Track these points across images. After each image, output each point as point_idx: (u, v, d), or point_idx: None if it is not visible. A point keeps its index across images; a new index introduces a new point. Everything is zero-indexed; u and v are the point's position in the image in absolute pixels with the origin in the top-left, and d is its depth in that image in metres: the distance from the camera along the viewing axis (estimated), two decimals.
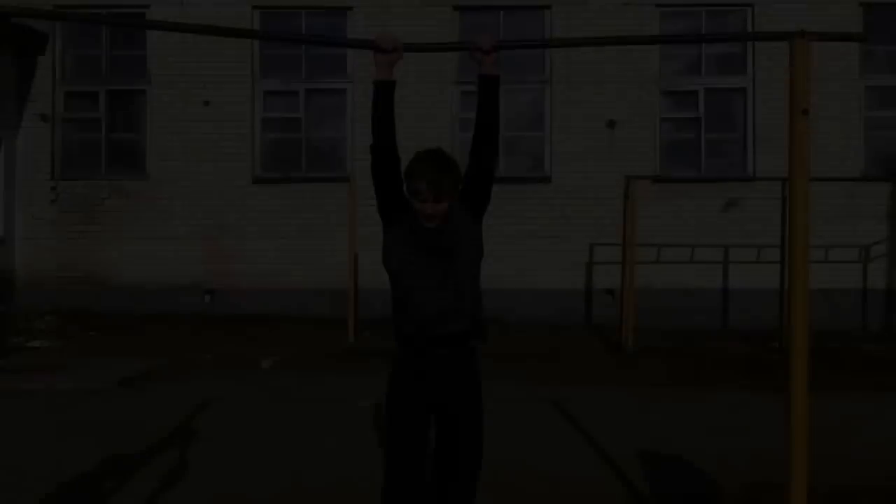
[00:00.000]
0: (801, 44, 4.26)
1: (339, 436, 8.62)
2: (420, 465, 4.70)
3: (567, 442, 8.49)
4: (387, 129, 4.62)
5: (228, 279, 18.31)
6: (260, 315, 17.66)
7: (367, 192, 4.66)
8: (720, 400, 10.61)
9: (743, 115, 18.17)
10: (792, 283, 4.36)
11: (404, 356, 4.68)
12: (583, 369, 13.26)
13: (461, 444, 4.68)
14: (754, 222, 17.82)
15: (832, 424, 9.34)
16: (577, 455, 7.94)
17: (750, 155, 18.23)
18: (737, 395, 10.71)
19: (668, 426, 9.24)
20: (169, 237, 18.35)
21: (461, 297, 4.56)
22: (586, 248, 18.06)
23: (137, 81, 18.70)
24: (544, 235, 18.11)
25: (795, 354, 4.34)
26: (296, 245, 18.26)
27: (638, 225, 16.07)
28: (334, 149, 18.80)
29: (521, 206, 18.03)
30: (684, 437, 8.68)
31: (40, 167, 18.54)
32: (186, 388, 11.09)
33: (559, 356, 14.47)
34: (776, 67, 17.76)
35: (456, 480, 4.69)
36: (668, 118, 18.60)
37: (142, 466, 7.33)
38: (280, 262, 18.31)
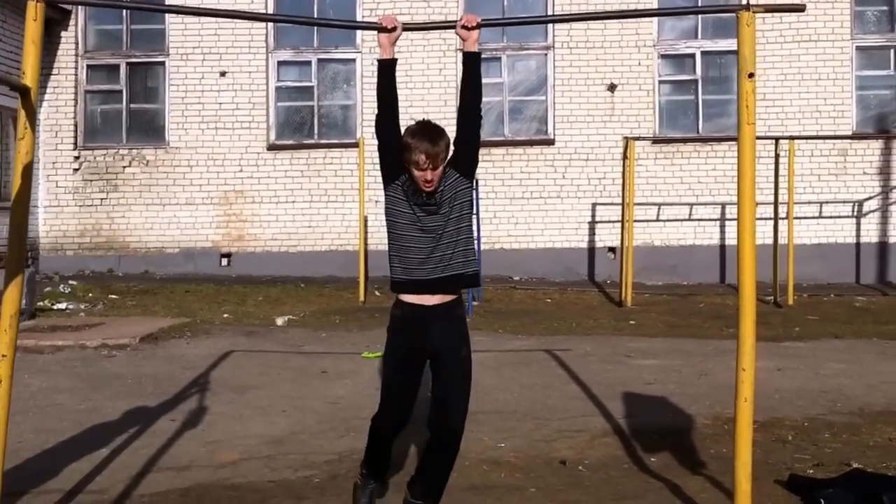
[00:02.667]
0: (745, 15, 4.87)
1: (345, 383, 9.25)
2: (409, 399, 5.35)
3: (557, 385, 9.09)
4: (390, 103, 5.13)
5: (244, 242, 18.94)
6: (275, 277, 18.25)
7: (376, 157, 5.26)
8: (708, 347, 11.18)
9: (737, 76, 18.58)
10: (740, 228, 4.96)
11: (399, 302, 5.29)
12: (582, 322, 13.84)
13: (450, 374, 5.30)
14: None
15: (805, 366, 10.03)
16: (565, 396, 8.55)
17: None
18: (725, 343, 11.15)
19: (654, 371, 9.82)
20: (187, 203, 18.96)
21: (452, 247, 5.12)
22: (589, 208, 18.59)
23: (156, 54, 19.28)
24: (548, 196, 18.65)
25: (744, 298, 4.94)
26: (309, 209, 18.83)
27: (637, 185, 16.63)
28: (345, 116, 19.37)
29: (526, 168, 18.60)
30: (668, 381, 9.27)
31: (63, 137, 19.13)
32: (205, 343, 11.71)
33: (561, 311, 15.07)
34: (770, 31, 18.26)
35: (445, 407, 5.32)
36: (666, 81, 19.10)
37: (163, 409, 7.97)
38: (294, 226, 18.90)
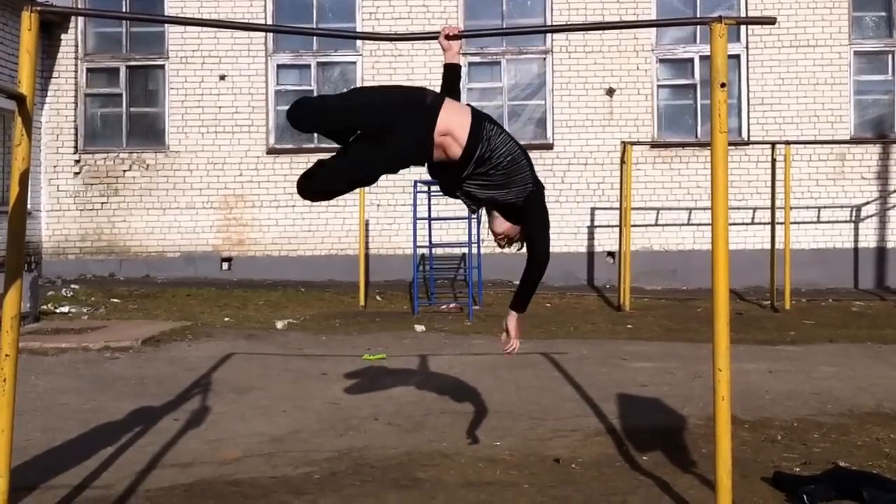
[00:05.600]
0: (718, 26, 5.02)
1: (345, 384, 9.39)
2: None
3: (553, 387, 9.22)
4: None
5: (245, 247, 19.08)
6: (275, 281, 18.40)
7: None
8: (703, 351, 11.27)
9: (737, 82, 18.76)
10: (714, 232, 5.10)
11: None
12: (580, 326, 13.99)
13: None
14: (748, 185, 18.48)
15: (797, 368, 10.18)
16: (560, 397, 8.69)
17: (744, 120, 18.86)
18: None
19: (649, 373, 9.95)
20: (188, 207, 19.10)
21: None
22: (588, 212, 18.73)
23: (156, 57, 19.42)
24: (547, 200, 18.71)
25: (718, 300, 5.09)
26: (309, 213, 18.95)
27: (635, 189, 16.78)
28: None
29: None
30: (662, 383, 9.40)
31: (64, 141, 19.27)
32: (206, 346, 11.85)
33: (560, 315, 15.20)
34: (767, 35, 18.41)
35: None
36: (664, 85, 19.26)
37: (166, 409, 8.11)
38: (294, 230, 19.04)
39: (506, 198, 5.42)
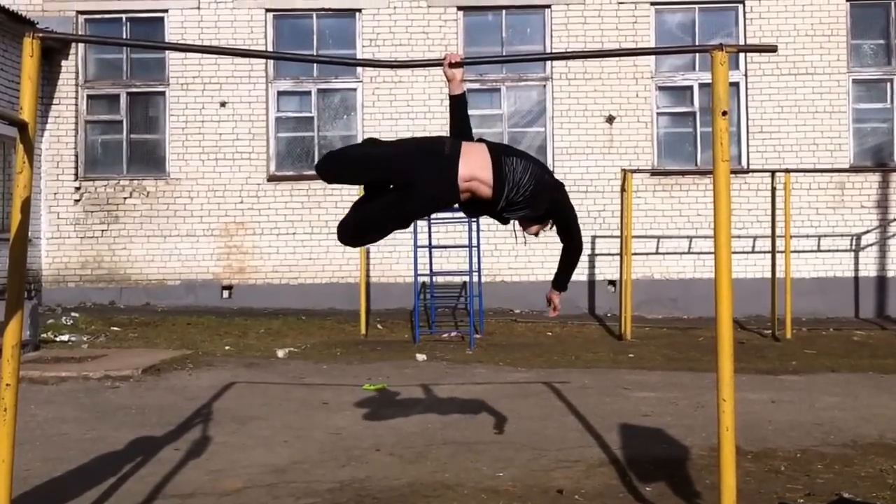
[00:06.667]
0: (718, 55, 5.01)
1: (346, 414, 9.35)
2: None
3: (555, 416, 9.20)
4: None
5: (246, 275, 19.05)
6: (276, 309, 18.33)
7: None
8: (705, 381, 11.27)
9: (736, 110, 18.76)
10: (717, 262, 5.10)
11: None
12: (581, 355, 13.95)
13: None
14: (748, 214, 18.48)
15: (799, 398, 10.15)
16: (562, 427, 8.67)
17: (744, 148, 18.88)
18: None
19: (651, 403, 9.93)
20: (188, 235, 19.07)
21: None
22: (588, 241, 18.70)
23: (157, 83, 19.44)
24: (548, 228, 18.75)
25: (721, 330, 5.08)
26: (310, 240, 18.93)
27: (636, 217, 16.77)
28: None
29: None
30: (664, 413, 9.38)
31: (64, 168, 19.27)
32: (207, 374, 11.83)
33: (561, 344, 15.18)
34: (766, 63, 18.46)
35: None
36: (664, 112, 19.30)
37: (167, 439, 8.09)
38: (294, 258, 19.01)
39: (537, 213, 5.64)
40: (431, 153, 5.42)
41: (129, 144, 19.50)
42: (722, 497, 5.02)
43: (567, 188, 5.87)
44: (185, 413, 9.30)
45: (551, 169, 18.61)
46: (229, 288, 19.10)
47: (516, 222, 5.82)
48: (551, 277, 6.07)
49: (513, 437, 8.23)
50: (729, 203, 5.07)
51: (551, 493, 6.48)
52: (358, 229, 5.66)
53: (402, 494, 6.41)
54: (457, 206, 5.64)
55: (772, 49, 5.38)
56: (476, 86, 18.86)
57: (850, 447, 7.82)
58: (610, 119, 19.01)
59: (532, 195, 5.44)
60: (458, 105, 5.73)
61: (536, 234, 5.96)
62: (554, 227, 5.86)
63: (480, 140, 5.64)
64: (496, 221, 5.74)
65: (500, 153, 5.48)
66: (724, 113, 4.98)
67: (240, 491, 6.51)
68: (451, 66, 5.53)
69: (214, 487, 6.58)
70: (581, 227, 5.94)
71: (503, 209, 5.50)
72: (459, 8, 19.12)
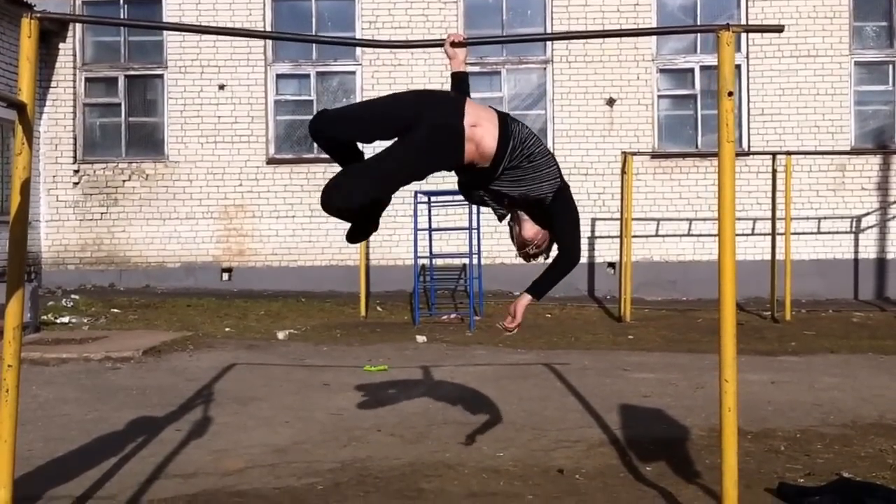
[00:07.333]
0: (725, 35, 4.99)
1: (347, 395, 9.36)
2: None
3: (555, 397, 9.21)
4: None
5: (245, 257, 19.06)
6: (276, 291, 18.36)
7: None
8: (705, 362, 11.28)
9: (737, 92, 18.71)
10: (721, 243, 5.10)
11: None
12: (581, 337, 13.98)
13: None
14: (748, 196, 18.46)
15: (798, 379, 10.17)
16: (562, 408, 8.68)
17: (744, 130, 18.85)
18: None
19: (651, 384, 9.94)
20: (187, 217, 19.07)
21: None
22: (588, 223, 18.69)
23: (155, 66, 19.40)
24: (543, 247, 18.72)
25: (725, 312, 5.09)
26: (309, 223, 18.93)
27: (636, 200, 16.77)
28: None
29: None
30: (664, 393, 9.39)
31: (62, 151, 19.26)
32: (207, 356, 11.84)
33: (561, 326, 15.21)
34: (768, 45, 18.43)
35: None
36: (665, 95, 19.27)
37: (168, 419, 8.10)
38: (294, 240, 19.01)
39: (539, 193, 5.32)
40: (437, 94, 5.42)
41: (128, 127, 19.47)
42: (724, 477, 5.03)
43: (567, 171, 5.79)
44: (186, 394, 9.31)
45: (552, 152, 18.71)
46: (229, 270, 19.11)
47: (515, 226, 5.57)
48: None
49: (513, 417, 8.24)
50: (733, 184, 5.07)
51: (552, 472, 6.49)
52: (359, 190, 5.05)
53: (403, 474, 6.42)
54: (456, 174, 5.40)
55: (778, 29, 5.37)
56: (476, 69, 18.80)
57: (850, 427, 7.83)
58: (610, 102, 18.99)
59: (535, 164, 5.20)
60: (460, 79, 5.65)
61: (533, 250, 5.61)
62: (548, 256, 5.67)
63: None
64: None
65: (506, 114, 5.33)
66: (731, 94, 4.97)
67: (242, 471, 6.52)
68: (454, 45, 5.51)
69: (216, 467, 6.59)
70: (580, 214, 5.71)
71: (502, 173, 5.20)
72: None
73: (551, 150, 5.46)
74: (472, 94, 5.65)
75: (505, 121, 5.22)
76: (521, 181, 5.26)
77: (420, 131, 5.05)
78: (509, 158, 5.16)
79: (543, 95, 19.27)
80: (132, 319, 15.31)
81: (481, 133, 5.12)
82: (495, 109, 5.36)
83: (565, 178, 5.54)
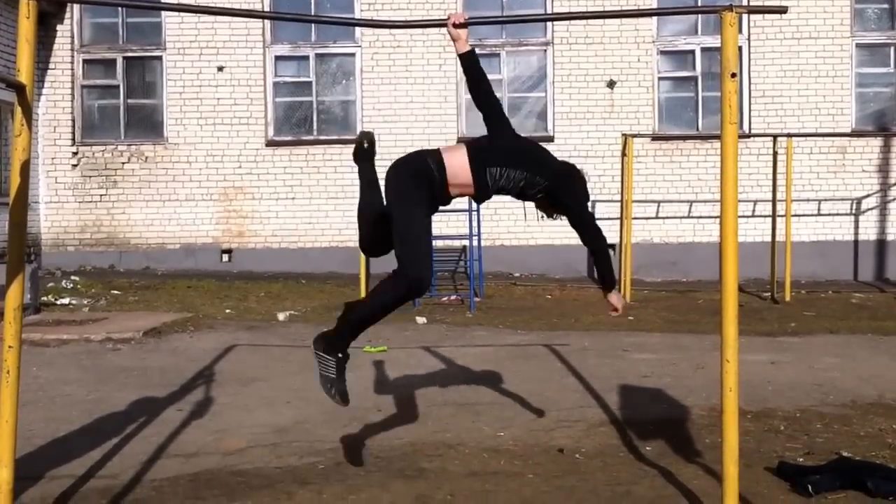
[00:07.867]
0: (728, 15, 4.96)
1: (348, 376, 9.36)
2: None
3: (555, 378, 9.23)
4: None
5: (245, 239, 19.06)
6: (276, 273, 18.38)
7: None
8: (705, 342, 11.29)
9: (739, 74, 18.65)
10: (723, 224, 5.11)
11: None
12: (581, 318, 13.96)
13: None
14: (749, 178, 18.45)
15: (798, 359, 10.18)
16: (563, 388, 8.69)
17: (745, 112, 18.83)
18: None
19: (651, 364, 9.95)
20: (187, 199, 19.07)
21: None
22: (589, 205, 18.63)
23: (153, 48, 19.37)
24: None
25: (727, 292, 5.10)
26: (309, 205, 18.95)
27: (636, 182, 16.76)
28: (345, 111, 19.46)
29: None
30: (664, 374, 9.40)
31: (61, 133, 19.23)
32: (208, 337, 11.85)
33: (561, 307, 15.20)
34: (769, 27, 18.39)
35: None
36: (665, 77, 19.25)
37: (170, 399, 8.11)
38: (294, 222, 19.02)
39: (534, 190, 5.86)
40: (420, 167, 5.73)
41: (127, 109, 19.45)
42: (724, 456, 5.04)
43: (568, 154, 5.89)
44: (187, 375, 9.32)
45: (552, 135, 18.75)
46: (229, 252, 19.12)
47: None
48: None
49: (513, 397, 8.26)
50: (736, 166, 5.07)
51: (552, 452, 6.51)
52: (410, 248, 5.60)
53: (404, 454, 6.44)
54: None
55: (782, 10, 5.33)
56: (483, 52, 18.76)
57: (850, 407, 7.85)
58: (611, 84, 18.97)
59: (517, 180, 5.73)
60: (470, 63, 5.68)
61: (552, 217, 6.21)
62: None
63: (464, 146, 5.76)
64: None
65: (482, 161, 5.65)
66: (734, 75, 4.93)
67: (243, 450, 6.53)
68: (456, 26, 5.50)
69: (218, 447, 6.61)
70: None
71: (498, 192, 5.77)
72: None
73: (542, 151, 5.94)
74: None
75: (479, 170, 5.64)
76: (515, 185, 5.77)
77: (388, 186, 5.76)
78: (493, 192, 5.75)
79: (544, 78, 19.25)
80: (132, 301, 15.30)
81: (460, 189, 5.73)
82: (471, 154, 5.66)
83: (568, 161, 5.80)
